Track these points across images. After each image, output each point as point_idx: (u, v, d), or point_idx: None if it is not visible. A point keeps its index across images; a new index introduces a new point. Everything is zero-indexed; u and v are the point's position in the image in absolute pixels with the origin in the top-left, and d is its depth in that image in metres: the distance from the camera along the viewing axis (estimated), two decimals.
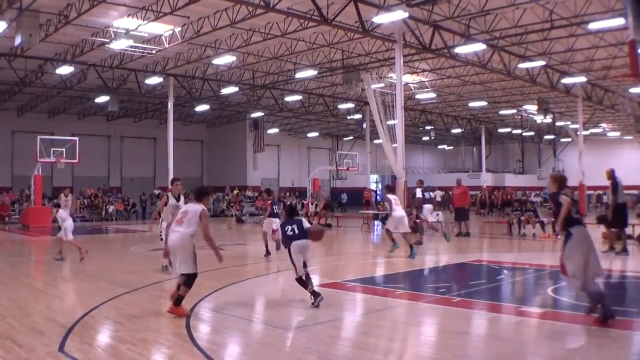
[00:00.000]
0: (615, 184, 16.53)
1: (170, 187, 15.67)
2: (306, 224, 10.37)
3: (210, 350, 6.95)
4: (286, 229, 10.28)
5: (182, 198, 13.72)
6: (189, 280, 9.01)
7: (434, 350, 7.19)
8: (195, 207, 9.35)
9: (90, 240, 25.69)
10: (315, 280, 12.22)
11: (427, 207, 21.28)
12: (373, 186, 56.29)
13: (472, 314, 9.25)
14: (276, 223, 15.33)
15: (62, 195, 19.80)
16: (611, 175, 16.56)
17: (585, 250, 8.23)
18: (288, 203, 17.35)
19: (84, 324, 8.38)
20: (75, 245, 16.11)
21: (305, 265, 10.05)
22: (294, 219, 10.53)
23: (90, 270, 14.40)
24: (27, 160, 36.91)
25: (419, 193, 21.67)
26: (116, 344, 7.34)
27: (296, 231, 10.16)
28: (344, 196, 55.79)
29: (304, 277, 9.94)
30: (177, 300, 8.91)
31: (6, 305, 9.78)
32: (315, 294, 9.62)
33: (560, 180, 9.00)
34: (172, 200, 13.49)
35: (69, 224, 16.18)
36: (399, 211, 16.87)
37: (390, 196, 17.21)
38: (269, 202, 17.06)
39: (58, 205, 17.64)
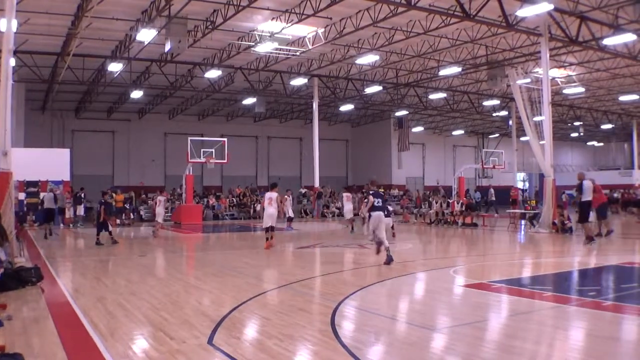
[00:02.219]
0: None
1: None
2: (390, 206, 19.82)
3: (355, 348, 6.98)
4: (375, 200, 15.05)
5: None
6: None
7: (583, 355, 6.86)
8: (274, 194, 19.05)
9: (238, 237, 26.70)
10: (461, 280, 12.14)
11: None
12: (520, 184, 54.71)
13: (623, 319, 8.76)
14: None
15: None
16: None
17: (376, 224, 14.87)
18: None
19: (232, 318, 8.70)
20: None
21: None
22: (381, 193, 16.14)
23: (238, 267, 14.94)
24: (179, 161, 38.89)
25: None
26: (263, 339, 7.52)
27: (381, 204, 15.30)
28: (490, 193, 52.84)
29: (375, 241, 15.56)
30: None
31: (160, 299, 10.32)
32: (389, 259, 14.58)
33: (373, 183, 16.47)
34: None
35: None
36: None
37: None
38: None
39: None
